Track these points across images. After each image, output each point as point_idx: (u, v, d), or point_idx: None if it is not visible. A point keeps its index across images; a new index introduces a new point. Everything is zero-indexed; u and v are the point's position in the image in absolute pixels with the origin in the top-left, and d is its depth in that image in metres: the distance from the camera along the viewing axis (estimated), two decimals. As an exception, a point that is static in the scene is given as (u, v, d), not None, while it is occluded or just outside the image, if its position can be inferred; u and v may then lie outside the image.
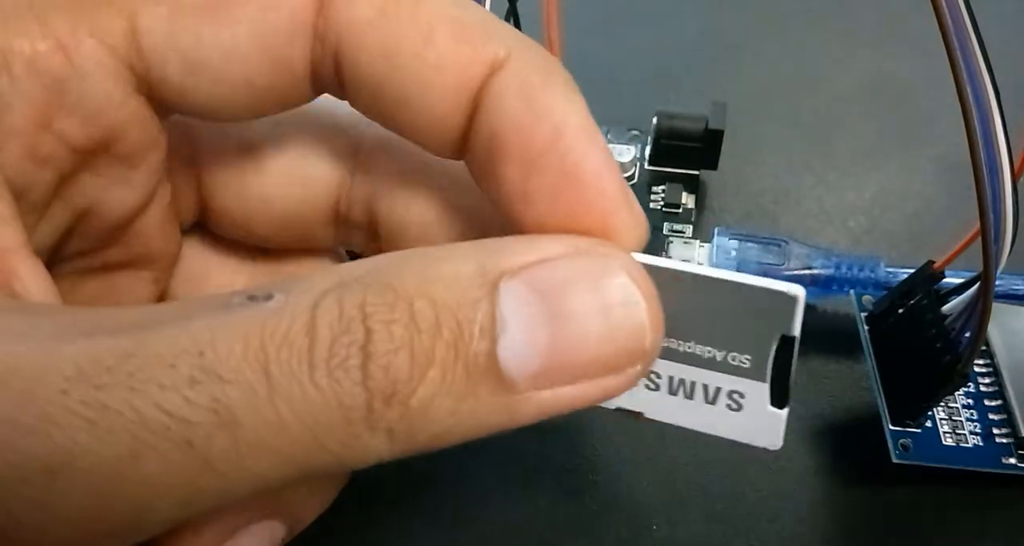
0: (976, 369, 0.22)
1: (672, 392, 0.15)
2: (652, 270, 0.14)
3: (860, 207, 0.28)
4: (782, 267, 0.24)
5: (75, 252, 0.16)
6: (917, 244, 0.27)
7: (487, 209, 0.16)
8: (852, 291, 0.23)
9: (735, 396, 0.15)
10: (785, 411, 0.15)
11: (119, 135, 0.15)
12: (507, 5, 0.21)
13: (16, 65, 0.14)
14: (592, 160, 0.14)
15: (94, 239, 0.16)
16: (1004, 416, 0.21)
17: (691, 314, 0.14)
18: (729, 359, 0.15)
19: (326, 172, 0.17)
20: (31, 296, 0.13)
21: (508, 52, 0.14)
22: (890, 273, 0.23)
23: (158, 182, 0.16)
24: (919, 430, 0.21)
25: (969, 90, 0.17)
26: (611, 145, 0.28)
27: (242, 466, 0.11)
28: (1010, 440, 0.21)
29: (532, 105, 0.14)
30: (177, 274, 0.18)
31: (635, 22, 0.35)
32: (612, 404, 0.15)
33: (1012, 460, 0.21)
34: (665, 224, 0.27)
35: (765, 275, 0.14)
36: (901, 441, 0.20)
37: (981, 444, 0.21)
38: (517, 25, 0.27)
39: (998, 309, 0.22)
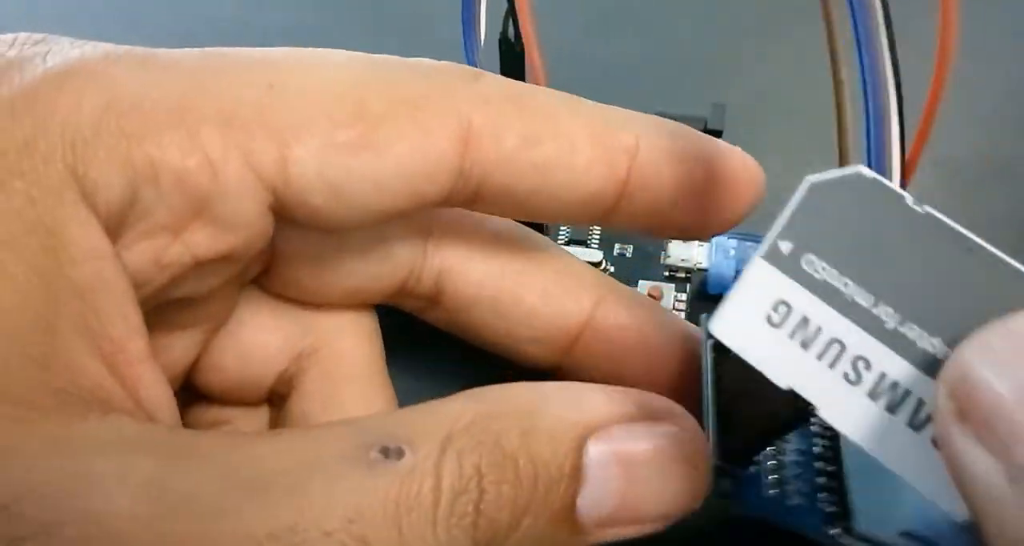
0: (813, 428, 0.19)
1: (874, 396, 0.12)
2: (941, 227, 0.14)
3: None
4: None
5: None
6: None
7: (555, 283, 0.18)
8: (703, 314, 0.19)
9: None
10: None
11: (242, 250, 0.15)
12: (506, 5, 0.21)
13: (164, 177, 0.14)
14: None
15: (165, 314, 0.16)
16: (834, 483, 0.18)
17: (942, 288, 0.13)
18: None
19: (402, 246, 0.18)
20: (152, 407, 0.14)
21: (636, 135, 0.16)
22: None
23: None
24: (747, 471, 0.18)
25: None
26: None
27: None
28: (833, 509, 0.17)
29: (685, 166, 0.17)
30: (219, 332, 0.18)
31: (635, 22, 0.35)
32: (784, 382, 0.13)
33: (835, 530, 0.17)
34: None
35: None
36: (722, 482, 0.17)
37: (805, 505, 0.18)
38: (516, 24, 0.27)
39: None
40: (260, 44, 0.34)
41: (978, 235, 0.16)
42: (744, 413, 0.15)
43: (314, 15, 0.35)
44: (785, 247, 0.14)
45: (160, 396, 0.14)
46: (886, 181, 0.14)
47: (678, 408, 0.15)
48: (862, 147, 0.13)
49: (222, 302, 0.18)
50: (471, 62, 0.19)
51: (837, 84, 0.12)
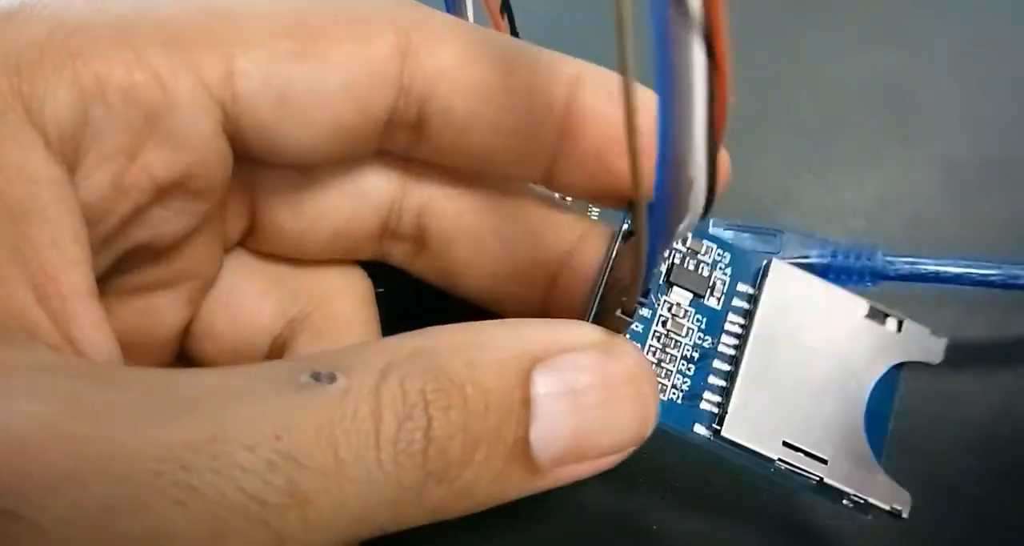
0: (728, 326, 0.19)
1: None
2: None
3: (860, 207, 0.28)
4: (777, 256, 0.23)
5: (119, 274, 0.16)
6: (917, 244, 0.27)
7: (536, 219, 0.18)
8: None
9: None
10: None
11: (199, 172, 0.15)
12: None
13: (112, 94, 0.14)
14: None
15: (141, 264, 0.17)
16: (725, 384, 0.18)
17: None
18: None
19: (381, 186, 0.18)
20: (87, 344, 0.14)
21: (578, 69, 0.16)
22: (888, 262, 0.23)
23: (214, 212, 0.17)
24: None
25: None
26: None
27: (307, 541, 0.12)
28: (715, 410, 0.18)
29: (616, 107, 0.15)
30: (210, 297, 0.18)
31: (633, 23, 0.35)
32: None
33: (704, 431, 0.18)
34: None
35: None
36: None
37: (679, 402, 0.18)
38: (511, 16, 0.27)
39: (786, 270, 0.19)
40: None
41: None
42: (618, 295, 0.16)
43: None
44: None
45: (96, 338, 0.14)
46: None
47: (621, 338, 0.15)
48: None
49: (204, 257, 0.18)
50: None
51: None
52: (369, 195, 0.18)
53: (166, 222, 0.16)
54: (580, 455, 0.14)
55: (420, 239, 0.19)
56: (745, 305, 0.19)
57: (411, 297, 0.20)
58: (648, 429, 0.15)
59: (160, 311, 0.17)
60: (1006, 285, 0.23)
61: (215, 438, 0.11)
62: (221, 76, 0.14)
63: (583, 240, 0.18)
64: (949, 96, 0.31)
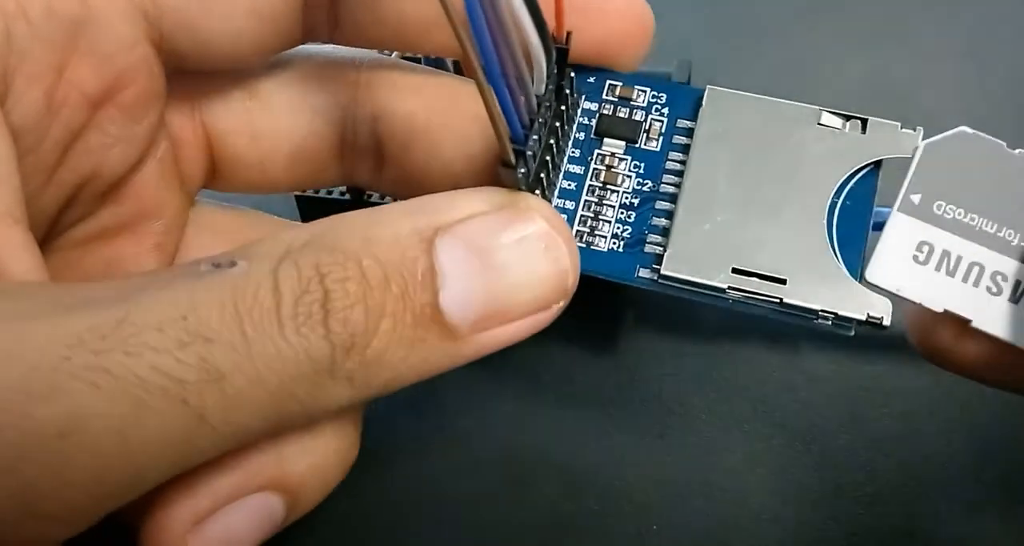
0: (669, 166, 0.18)
1: (1015, 299, 0.16)
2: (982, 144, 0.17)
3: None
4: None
5: (75, 218, 0.16)
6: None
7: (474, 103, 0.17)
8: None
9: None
10: None
11: (128, 82, 0.15)
12: None
13: (33, 9, 0.14)
14: None
15: (94, 202, 0.16)
16: (666, 222, 0.17)
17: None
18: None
19: (331, 101, 0.18)
20: (12, 264, 0.13)
21: None
22: None
23: (156, 136, 0.17)
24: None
25: None
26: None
27: (229, 419, 0.12)
28: (660, 251, 0.17)
29: None
30: (181, 253, 0.18)
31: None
32: (939, 305, 0.16)
33: (646, 273, 0.17)
34: None
35: None
36: None
37: (620, 250, 0.17)
38: None
39: (724, 95, 0.18)
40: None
41: None
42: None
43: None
44: (916, 198, 0.17)
45: (19, 255, 0.14)
46: (984, 135, 0.17)
47: (524, 194, 0.15)
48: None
49: (161, 195, 0.17)
50: None
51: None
52: (321, 109, 0.18)
53: (107, 148, 0.16)
54: (501, 316, 0.14)
55: (379, 151, 0.19)
56: (686, 140, 0.18)
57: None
58: (569, 279, 0.15)
59: (126, 259, 0.17)
60: None
61: (123, 322, 0.11)
62: None
63: None
64: (949, 96, 0.31)
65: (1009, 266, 0.16)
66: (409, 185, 0.19)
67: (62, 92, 0.14)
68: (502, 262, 0.14)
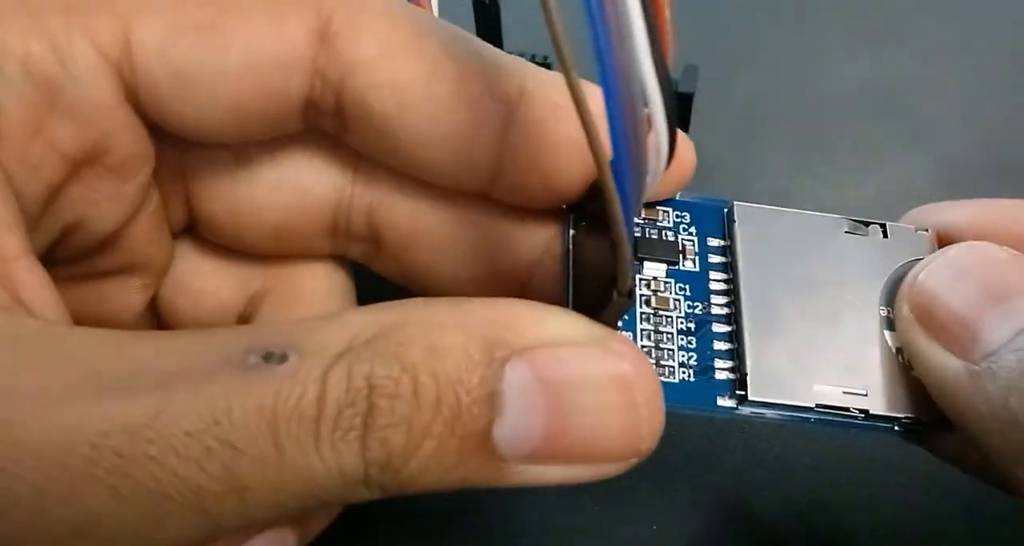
0: (714, 286, 0.17)
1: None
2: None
3: (860, 207, 0.28)
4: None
5: (64, 259, 0.16)
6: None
7: (502, 221, 0.16)
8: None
9: None
10: None
11: (109, 145, 0.15)
12: None
13: (8, 64, 0.13)
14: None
15: (83, 249, 0.16)
16: (732, 345, 0.17)
17: (893, 281, 0.17)
18: None
19: (323, 182, 0.17)
20: (35, 302, 0.13)
21: (522, 84, 0.15)
22: None
23: (147, 194, 0.16)
24: None
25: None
26: None
27: (247, 518, 0.12)
28: (732, 376, 0.16)
29: (566, 123, 0.14)
30: (168, 279, 0.18)
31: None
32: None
33: (729, 402, 0.16)
34: None
35: None
36: None
37: (692, 380, 0.16)
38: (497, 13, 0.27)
39: (751, 211, 0.18)
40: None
41: None
42: (599, 274, 0.15)
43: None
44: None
45: (40, 293, 0.13)
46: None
47: (618, 333, 0.13)
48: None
49: (151, 245, 0.17)
50: None
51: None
52: (311, 191, 0.17)
53: (93, 204, 0.15)
54: (555, 456, 0.13)
55: (376, 239, 0.18)
56: (722, 258, 0.18)
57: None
58: (643, 444, 0.13)
59: (114, 298, 0.17)
60: None
61: (153, 422, 0.11)
62: (118, 45, 0.14)
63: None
64: (949, 96, 0.31)
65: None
66: (408, 279, 0.18)
67: (39, 151, 0.14)
68: (572, 405, 0.12)
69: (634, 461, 0.13)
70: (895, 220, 0.19)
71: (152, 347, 0.12)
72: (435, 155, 0.15)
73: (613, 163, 0.11)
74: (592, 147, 0.11)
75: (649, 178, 0.12)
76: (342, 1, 0.14)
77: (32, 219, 0.14)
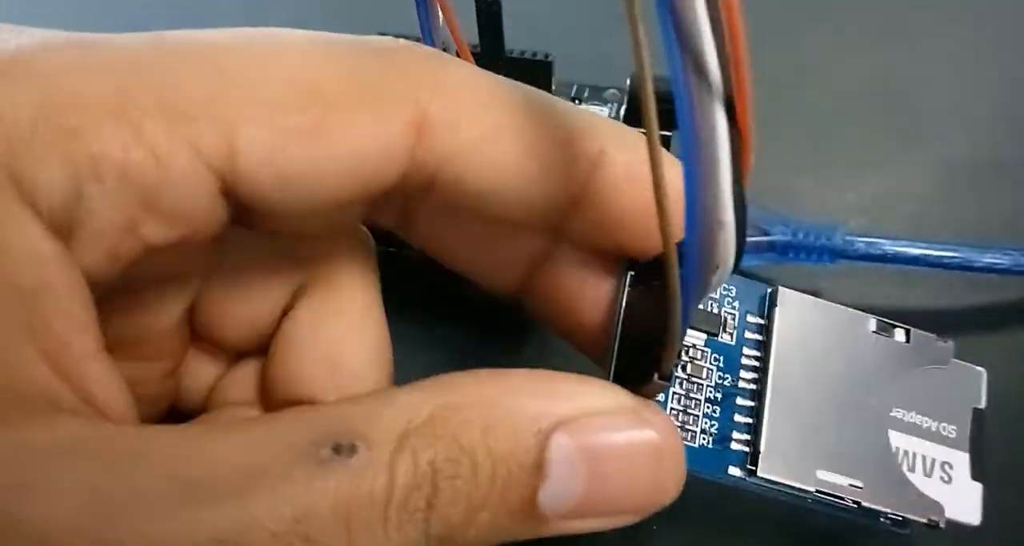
0: (744, 361, 0.18)
1: (911, 468, 0.18)
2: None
3: (860, 207, 0.28)
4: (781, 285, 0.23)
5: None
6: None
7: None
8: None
9: (947, 467, 0.18)
10: (980, 486, 0.18)
11: (194, 236, 0.15)
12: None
13: (107, 173, 0.13)
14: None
15: (133, 278, 0.16)
16: (751, 421, 0.18)
17: (904, 383, 0.18)
18: (940, 429, 0.18)
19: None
20: (103, 402, 0.14)
21: (603, 145, 0.15)
22: (848, 241, 0.24)
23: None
24: None
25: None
26: (586, 104, 0.28)
27: None
28: (746, 449, 0.18)
29: (638, 185, 0.15)
30: (210, 282, 0.18)
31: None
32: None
33: (738, 472, 0.18)
34: None
35: None
36: None
37: (710, 447, 0.18)
38: (499, 27, 0.27)
39: (793, 297, 0.19)
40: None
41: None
42: (644, 343, 0.16)
43: (313, 15, 0.35)
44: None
45: (110, 390, 0.14)
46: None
47: (650, 403, 0.15)
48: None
49: (195, 257, 0.17)
50: (425, 26, 0.18)
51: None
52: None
53: (162, 264, 0.16)
54: (591, 514, 0.14)
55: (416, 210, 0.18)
56: (757, 337, 0.19)
57: (422, 260, 0.20)
58: (667, 497, 0.15)
59: (154, 305, 0.17)
60: (962, 267, 0.24)
61: (240, 528, 0.12)
62: (222, 152, 0.14)
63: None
64: (949, 96, 0.31)
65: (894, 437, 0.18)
66: (434, 247, 0.19)
67: (127, 246, 0.14)
68: (608, 471, 0.14)
69: (654, 512, 0.15)
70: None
71: (226, 444, 0.13)
72: (514, 212, 0.16)
73: (683, 245, 0.12)
74: (662, 226, 0.12)
75: (717, 275, 0.13)
76: (437, 92, 0.15)
77: (103, 287, 0.15)
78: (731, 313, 0.19)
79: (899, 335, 0.19)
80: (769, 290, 0.19)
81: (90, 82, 0.13)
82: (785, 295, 0.19)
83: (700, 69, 0.12)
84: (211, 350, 0.19)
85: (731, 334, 0.19)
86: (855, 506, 0.18)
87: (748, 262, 0.24)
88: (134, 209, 0.14)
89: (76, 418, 0.13)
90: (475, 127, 0.15)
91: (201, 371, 0.19)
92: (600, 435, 0.14)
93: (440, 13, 0.18)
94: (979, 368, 0.20)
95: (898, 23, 0.34)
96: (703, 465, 0.18)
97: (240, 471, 0.12)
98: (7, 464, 0.12)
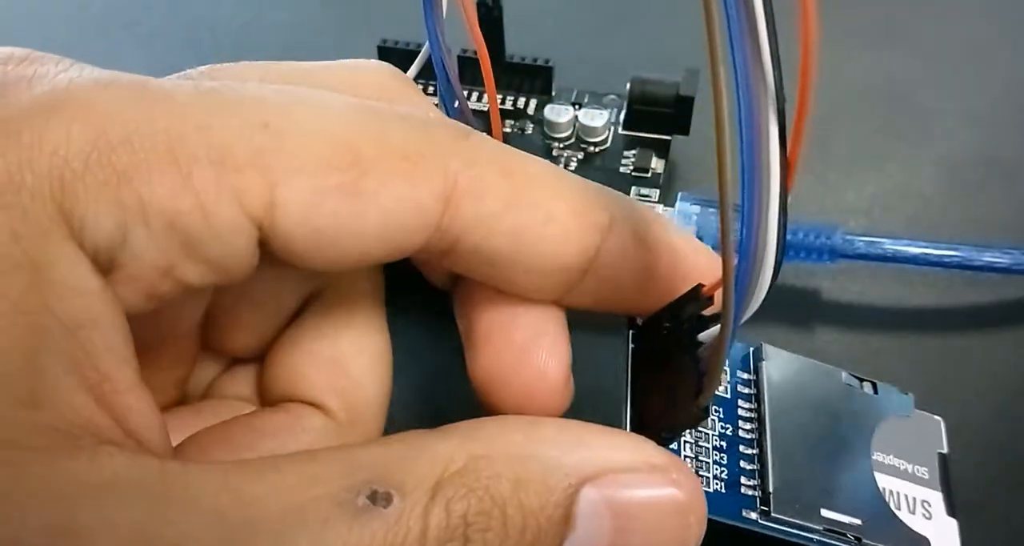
0: (741, 412, 0.20)
1: (897, 506, 0.20)
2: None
3: (860, 207, 0.28)
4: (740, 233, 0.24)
5: None
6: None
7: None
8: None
9: (926, 505, 0.20)
10: (955, 521, 0.20)
11: (228, 280, 0.15)
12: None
13: (154, 219, 0.13)
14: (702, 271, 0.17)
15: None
16: (757, 466, 0.19)
17: (879, 429, 0.20)
18: (915, 471, 0.20)
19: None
20: (142, 434, 0.14)
21: (611, 214, 0.16)
22: (847, 241, 0.24)
23: None
24: None
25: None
26: (586, 109, 0.28)
27: None
28: (756, 493, 0.19)
29: (648, 252, 0.17)
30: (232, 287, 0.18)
31: (633, 22, 0.35)
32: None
33: (753, 515, 0.19)
34: (633, 188, 0.27)
35: None
36: None
37: (724, 492, 0.19)
38: (501, 33, 0.27)
39: (774, 352, 0.21)
40: (260, 43, 0.34)
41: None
42: (654, 399, 0.17)
43: (313, 15, 0.35)
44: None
45: (149, 421, 0.14)
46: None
47: (677, 460, 0.15)
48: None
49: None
50: (433, 36, 0.19)
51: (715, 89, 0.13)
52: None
53: (187, 301, 0.16)
54: None
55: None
56: (747, 390, 0.20)
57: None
58: None
59: (175, 314, 0.18)
60: (962, 266, 0.24)
61: None
62: (263, 204, 0.14)
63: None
64: (949, 96, 0.31)
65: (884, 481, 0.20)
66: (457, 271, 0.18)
67: (164, 288, 0.14)
68: (634, 527, 0.14)
69: None
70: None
71: (263, 484, 0.13)
72: (528, 279, 0.17)
73: (738, 268, 0.13)
74: (725, 274, 0.13)
75: (756, 294, 0.14)
76: (465, 161, 0.15)
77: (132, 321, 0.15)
78: (724, 370, 0.20)
79: (867, 388, 0.21)
80: (752, 348, 0.21)
81: (142, 123, 0.13)
82: (768, 351, 0.21)
83: (765, 99, 0.13)
84: (214, 355, 0.20)
85: (725, 388, 0.20)
86: (856, 542, 0.19)
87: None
88: (175, 254, 0.14)
89: (121, 452, 0.13)
90: (500, 198, 0.16)
91: (203, 373, 0.20)
92: (628, 491, 0.14)
93: (443, 15, 0.18)
94: (936, 417, 0.22)
95: (898, 23, 0.34)
96: (720, 509, 0.19)
97: (281, 516, 0.13)
98: (57, 502, 0.12)
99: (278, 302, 0.19)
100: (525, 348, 0.17)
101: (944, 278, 0.25)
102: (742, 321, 0.14)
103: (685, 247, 0.17)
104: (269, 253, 0.15)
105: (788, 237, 0.23)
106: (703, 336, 0.16)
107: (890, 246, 0.24)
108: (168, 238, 0.14)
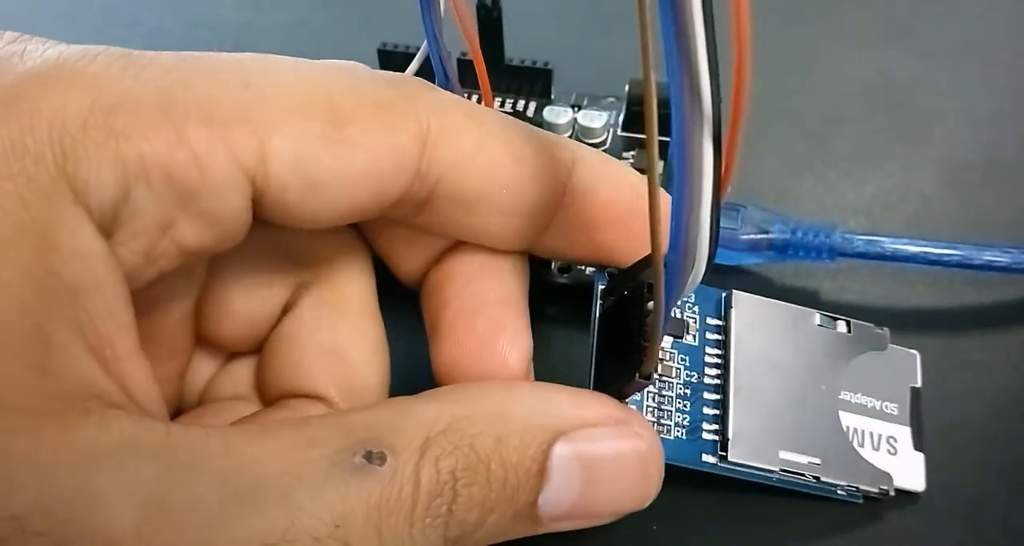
0: (708, 359, 0.20)
1: (860, 444, 0.20)
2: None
3: (860, 207, 0.28)
4: (738, 231, 0.24)
5: None
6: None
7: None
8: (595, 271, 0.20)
9: (892, 441, 0.21)
10: (922, 455, 0.21)
11: (223, 240, 0.16)
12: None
13: (153, 173, 0.14)
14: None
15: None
16: (718, 412, 0.20)
17: (849, 369, 0.21)
18: (883, 407, 0.21)
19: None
20: (142, 400, 0.14)
21: (573, 154, 0.18)
22: (846, 239, 0.24)
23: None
24: None
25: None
26: (585, 111, 0.28)
27: None
28: (716, 438, 0.19)
29: (612, 186, 0.18)
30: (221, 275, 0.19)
31: (632, 24, 0.35)
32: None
33: (712, 459, 0.19)
34: None
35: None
36: None
37: (683, 438, 0.19)
38: (499, 30, 0.27)
39: (745, 299, 0.21)
40: (260, 44, 0.34)
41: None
42: (613, 360, 0.18)
43: (313, 15, 0.35)
44: None
45: (148, 388, 0.15)
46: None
47: (637, 414, 0.17)
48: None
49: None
50: (431, 34, 0.19)
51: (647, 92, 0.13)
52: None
53: (181, 268, 0.16)
54: (580, 516, 0.16)
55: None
56: (717, 336, 0.21)
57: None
58: (648, 501, 0.17)
59: (166, 300, 0.18)
60: (961, 265, 0.24)
61: (286, 534, 0.13)
62: (255, 156, 0.15)
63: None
64: (949, 96, 0.31)
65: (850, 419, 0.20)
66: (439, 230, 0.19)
67: (162, 247, 0.15)
68: (601, 477, 0.16)
69: (638, 509, 0.17)
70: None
71: (262, 447, 0.14)
72: (505, 218, 0.17)
73: (668, 258, 0.14)
74: (652, 238, 0.14)
75: (690, 281, 0.14)
76: (434, 109, 0.16)
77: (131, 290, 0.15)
78: (692, 317, 0.21)
79: (841, 326, 0.21)
80: (724, 294, 0.21)
81: (133, 87, 0.14)
82: (739, 297, 0.21)
83: (697, 103, 0.14)
84: (208, 350, 0.20)
85: (694, 336, 0.20)
86: (815, 481, 0.20)
87: (748, 260, 0.25)
88: (173, 210, 0.14)
89: (127, 415, 0.13)
90: (471, 138, 0.17)
91: (199, 369, 0.20)
92: (595, 444, 0.16)
93: (441, 18, 0.19)
94: (913, 351, 0.22)
95: (898, 23, 0.34)
96: (679, 455, 0.19)
97: (283, 476, 0.13)
98: (74, 467, 0.12)
99: (268, 290, 0.19)
100: (487, 339, 0.18)
101: (944, 277, 0.25)
102: (677, 301, 0.15)
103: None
104: (261, 217, 0.16)
105: (787, 236, 0.24)
106: (651, 305, 0.16)
107: (890, 245, 0.24)
108: (167, 191, 0.14)
